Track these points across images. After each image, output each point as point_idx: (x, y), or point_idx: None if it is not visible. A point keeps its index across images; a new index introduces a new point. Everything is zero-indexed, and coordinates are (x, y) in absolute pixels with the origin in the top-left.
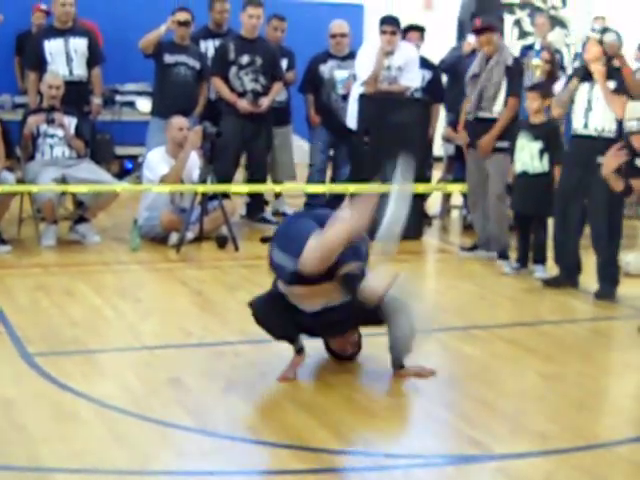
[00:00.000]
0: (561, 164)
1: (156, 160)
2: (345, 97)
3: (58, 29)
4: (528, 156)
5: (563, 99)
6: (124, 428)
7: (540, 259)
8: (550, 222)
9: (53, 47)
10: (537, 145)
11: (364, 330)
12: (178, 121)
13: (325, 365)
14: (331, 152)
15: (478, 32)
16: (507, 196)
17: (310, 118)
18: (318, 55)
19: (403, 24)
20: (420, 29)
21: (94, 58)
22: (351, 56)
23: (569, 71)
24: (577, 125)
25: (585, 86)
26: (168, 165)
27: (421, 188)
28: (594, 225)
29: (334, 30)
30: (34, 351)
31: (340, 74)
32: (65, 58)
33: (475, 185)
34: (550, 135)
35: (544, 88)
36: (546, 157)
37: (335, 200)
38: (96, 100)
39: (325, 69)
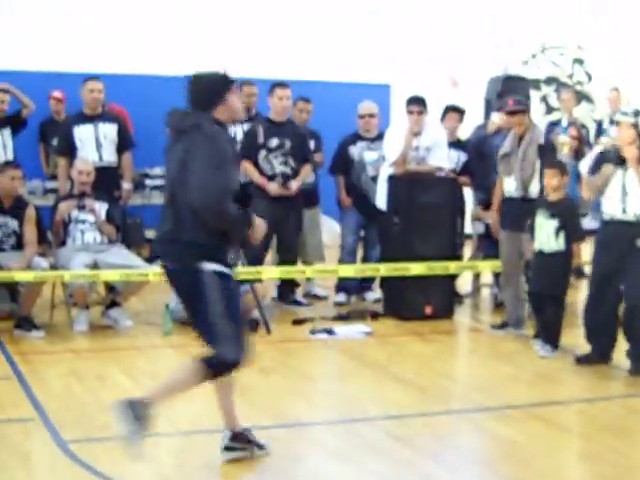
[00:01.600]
0: (578, 243)
1: None
2: (374, 178)
3: (87, 115)
4: (545, 235)
5: (597, 184)
6: None
7: (548, 338)
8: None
9: (83, 133)
10: (554, 223)
11: None
12: None
13: (362, 450)
14: (362, 233)
15: (511, 113)
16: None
17: (341, 200)
18: (347, 137)
19: (440, 104)
20: (460, 110)
21: (124, 143)
22: (380, 137)
23: (595, 148)
24: (613, 211)
25: (619, 171)
26: None
27: (452, 267)
28: (631, 306)
29: (362, 111)
30: (68, 438)
31: (370, 155)
32: (95, 144)
33: (508, 263)
34: (567, 213)
35: (563, 165)
36: (562, 236)
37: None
38: (126, 185)
39: (355, 151)
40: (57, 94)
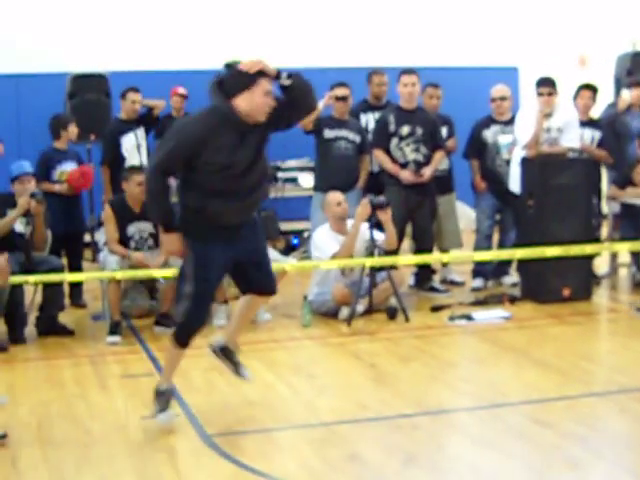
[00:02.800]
0: None
1: (323, 239)
2: (509, 162)
3: None
4: None
5: None
6: None
7: None
8: None
9: None
10: None
11: None
12: (335, 197)
13: (505, 435)
14: (497, 217)
15: None
16: None
17: (475, 184)
18: (481, 120)
19: (569, 85)
20: (593, 88)
21: None
22: (513, 120)
23: None
24: None
25: None
26: (336, 242)
27: (589, 248)
28: None
29: (494, 94)
30: (213, 432)
31: (504, 139)
32: None
33: None
34: None
35: None
36: None
37: None
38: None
39: (488, 134)
40: (181, 90)
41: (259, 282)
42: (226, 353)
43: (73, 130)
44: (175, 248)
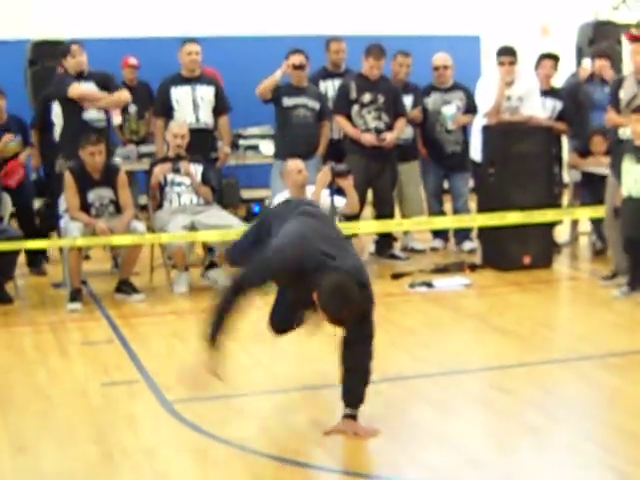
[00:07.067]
0: None
1: None
2: (449, 130)
3: (185, 77)
4: (632, 180)
5: None
6: (265, 471)
7: None
8: None
9: (180, 94)
10: None
11: None
12: (295, 164)
13: (465, 402)
14: (446, 184)
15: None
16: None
17: (418, 150)
18: (422, 89)
19: (531, 54)
20: (554, 58)
21: (221, 106)
22: (454, 88)
23: None
24: None
25: None
26: None
27: (550, 214)
28: None
29: (437, 62)
30: (173, 398)
31: (448, 110)
32: (192, 105)
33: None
34: None
35: None
36: None
37: None
38: (225, 149)
39: (429, 101)
40: (132, 61)
41: None
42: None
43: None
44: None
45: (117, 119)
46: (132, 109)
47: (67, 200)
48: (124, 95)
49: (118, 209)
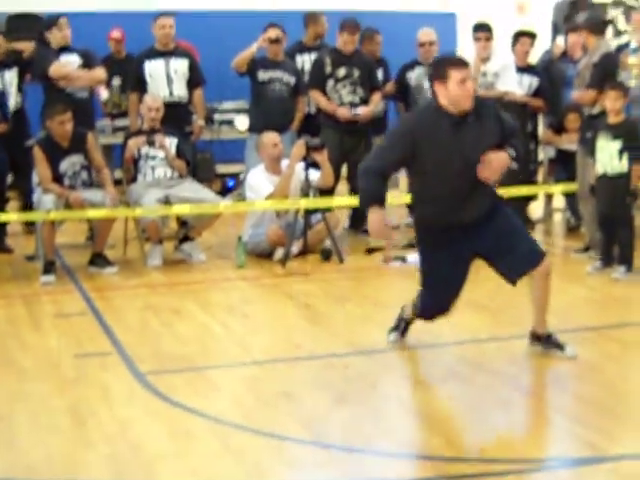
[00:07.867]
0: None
1: (258, 181)
2: None
3: (159, 51)
4: (607, 156)
5: None
6: (238, 443)
7: (623, 260)
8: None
9: (153, 68)
10: (616, 145)
11: None
12: (271, 137)
13: (437, 375)
14: None
15: None
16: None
17: None
18: (407, 63)
19: (507, 30)
20: (531, 35)
21: (195, 79)
22: None
23: None
24: None
25: None
26: (271, 183)
27: (524, 190)
28: None
29: (423, 38)
30: (146, 370)
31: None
32: (165, 79)
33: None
34: (630, 133)
35: (625, 87)
36: (625, 157)
37: None
38: (199, 122)
39: (412, 76)
40: (116, 34)
41: (509, 270)
42: (549, 341)
43: None
44: (376, 228)
45: (104, 94)
46: (116, 82)
47: (39, 173)
48: (98, 74)
49: (90, 174)
